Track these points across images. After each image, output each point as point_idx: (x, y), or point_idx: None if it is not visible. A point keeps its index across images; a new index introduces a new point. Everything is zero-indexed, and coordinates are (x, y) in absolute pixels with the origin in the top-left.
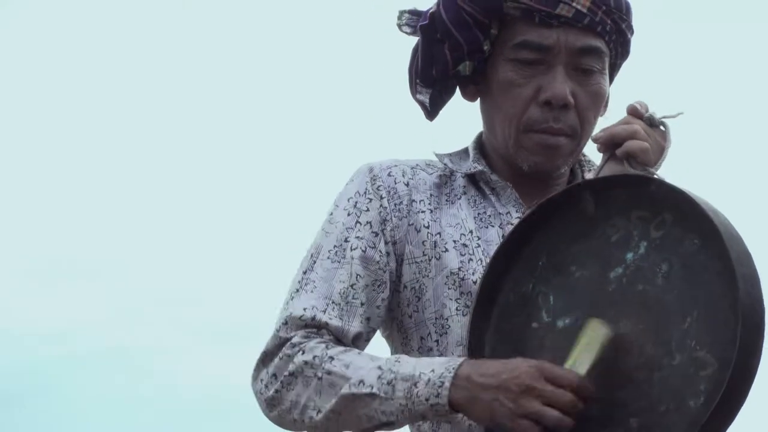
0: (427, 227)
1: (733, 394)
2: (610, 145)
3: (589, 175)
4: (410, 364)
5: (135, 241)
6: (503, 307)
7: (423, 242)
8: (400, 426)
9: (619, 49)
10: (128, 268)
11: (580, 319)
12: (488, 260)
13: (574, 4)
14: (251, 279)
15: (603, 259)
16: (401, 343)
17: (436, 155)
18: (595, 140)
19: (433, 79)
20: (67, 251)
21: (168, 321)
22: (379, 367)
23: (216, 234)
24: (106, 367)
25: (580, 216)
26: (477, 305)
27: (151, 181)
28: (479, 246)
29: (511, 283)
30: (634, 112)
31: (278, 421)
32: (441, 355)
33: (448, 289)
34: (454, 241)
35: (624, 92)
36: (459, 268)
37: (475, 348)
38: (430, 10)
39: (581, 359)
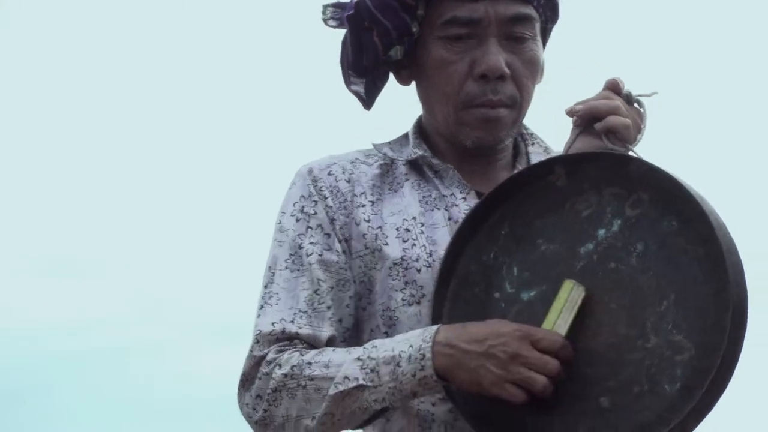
0: (368, 221)
1: (717, 384)
2: (589, 118)
3: (534, 149)
4: (387, 346)
5: (140, 240)
6: (463, 276)
7: (363, 235)
8: (397, 407)
9: (549, 13)
10: (133, 267)
11: (547, 292)
12: (441, 243)
13: None
14: (259, 279)
15: (573, 234)
16: (351, 336)
17: (374, 146)
18: (571, 113)
19: (365, 68)
20: (71, 249)
21: (173, 319)
22: (359, 358)
23: (223, 233)
24: (111, 364)
25: (549, 189)
26: (441, 275)
27: (159, 180)
28: (423, 232)
29: (472, 252)
30: (614, 87)
31: None
32: None
33: (393, 280)
34: (397, 229)
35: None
36: (402, 258)
37: (435, 318)
38: (355, 0)
39: (559, 322)
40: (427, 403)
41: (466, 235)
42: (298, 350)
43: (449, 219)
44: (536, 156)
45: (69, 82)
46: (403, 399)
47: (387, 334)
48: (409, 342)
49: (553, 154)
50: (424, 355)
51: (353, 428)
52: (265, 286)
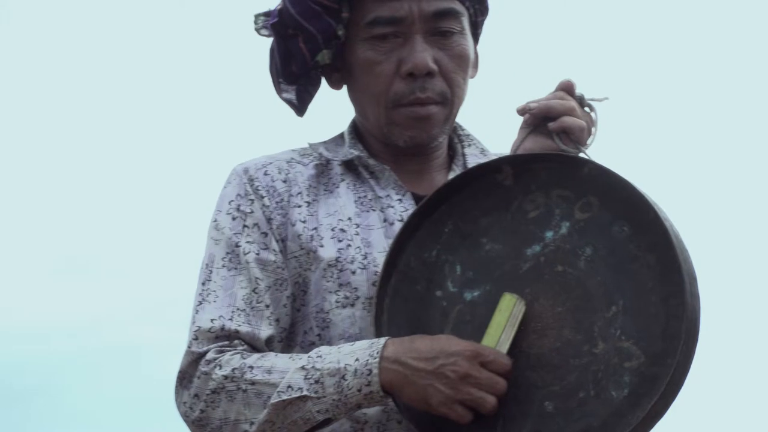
0: (303, 221)
1: (668, 392)
2: (542, 118)
3: (470, 151)
4: (333, 357)
5: (154, 239)
6: (403, 272)
7: (299, 236)
8: (341, 418)
9: (477, 6)
10: (146, 266)
11: (491, 292)
12: (376, 244)
13: None
14: None
15: (519, 235)
16: (286, 336)
17: (310, 145)
18: (524, 111)
19: (295, 75)
20: (84, 248)
21: (187, 319)
22: (303, 368)
23: None
24: (123, 363)
25: (495, 187)
26: (384, 272)
27: (175, 178)
28: (358, 234)
29: (413, 248)
30: (568, 88)
31: None
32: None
33: (327, 281)
34: (332, 230)
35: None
36: (336, 259)
37: (377, 314)
38: (278, 7)
39: (502, 339)
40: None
41: (411, 229)
42: (239, 352)
43: (384, 221)
44: (472, 157)
45: (84, 80)
46: (348, 411)
47: (320, 336)
48: (356, 355)
49: (491, 156)
50: (370, 371)
51: None
52: (203, 284)
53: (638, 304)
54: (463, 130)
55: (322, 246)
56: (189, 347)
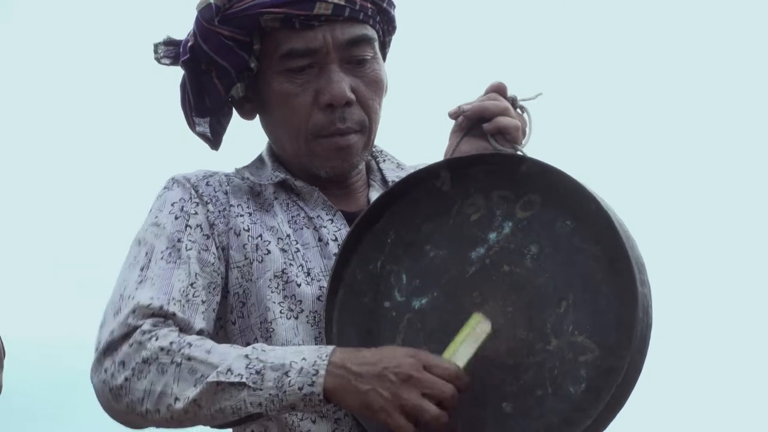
0: (247, 230)
1: (627, 382)
2: (476, 120)
3: (386, 166)
4: (278, 352)
5: None
6: (349, 285)
7: (244, 245)
8: (270, 416)
9: (386, 26)
10: None
11: (439, 299)
12: (314, 262)
13: (330, 0)
14: None
15: (462, 239)
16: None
17: (236, 170)
18: (456, 114)
19: (209, 109)
20: (99, 263)
21: None
22: (246, 356)
23: None
24: None
25: (434, 193)
26: (330, 286)
27: None
28: (298, 251)
29: (357, 261)
30: (500, 90)
31: (124, 413)
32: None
33: (272, 292)
34: (277, 243)
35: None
36: (283, 270)
37: (326, 329)
38: (189, 43)
39: (460, 351)
40: (308, 421)
41: (352, 243)
42: (175, 330)
43: (319, 240)
44: (390, 172)
45: (110, 111)
46: (281, 410)
47: None
48: (303, 354)
49: (408, 169)
50: (317, 371)
51: (213, 426)
52: (141, 269)
53: (588, 297)
54: (375, 147)
55: (268, 254)
56: (125, 319)
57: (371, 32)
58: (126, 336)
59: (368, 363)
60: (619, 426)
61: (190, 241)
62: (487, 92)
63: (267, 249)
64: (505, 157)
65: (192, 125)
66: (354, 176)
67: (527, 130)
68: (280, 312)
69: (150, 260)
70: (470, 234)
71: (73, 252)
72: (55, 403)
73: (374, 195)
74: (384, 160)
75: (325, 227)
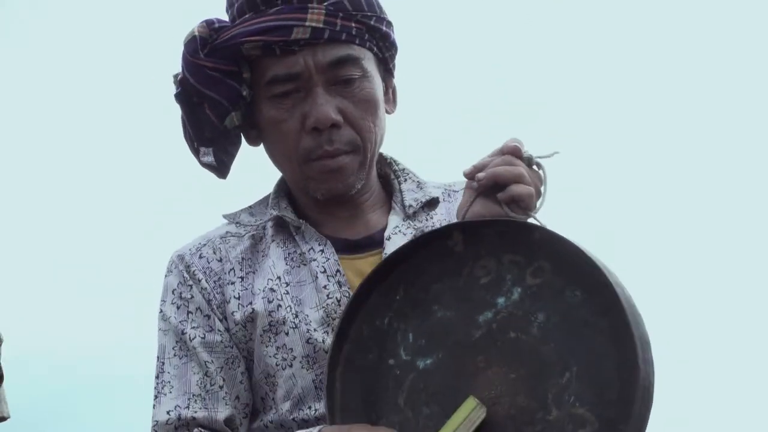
0: (238, 298)
1: None
2: (492, 186)
3: (406, 187)
4: None
5: None
6: (355, 341)
7: (233, 313)
8: None
9: (381, 44)
10: None
11: (444, 360)
12: (306, 301)
13: (308, 23)
14: None
15: (471, 301)
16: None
17: (225, 216)
18: (470, 176)
19: (210, 139)
20: (109, 271)
21: None
22: None
23: None
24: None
25: (446, 253)
26: (335, 341)
27: (199, 208)
28: (288, 292)
29: (365, 316)
30: (515, 152)
31: None
32: (275, 411)
33: (266, 347)
34: (263, 291)
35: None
36: (269, 324)
37: (329, 386)
38: (179, 78)
39: None
40: None
41: (362, 297)
42: None
43: (312, 275)
44: (409, 193)
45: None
46: None
47: (273, 399)
48: None
49: (427, 189)
50: None
51: None
52: (157, 377)
53: (592, 369)
54: (398, 165)
55: (254, 311)
56: None
57: (357, 51)
58: None
59: None
60: None
61: (193, 328)
62: (503, 152)
63: (253, 308)
64: (517, 223)
65: (197, 155)
66: (360, 197)
67: (543, 188)
68: (276, 364)
69: (163, 363)
70: (479, 297)
71: (73, 253)
72: (63, 410)
73: (394, 220)
74: (405, 180)
75: (315, 260)
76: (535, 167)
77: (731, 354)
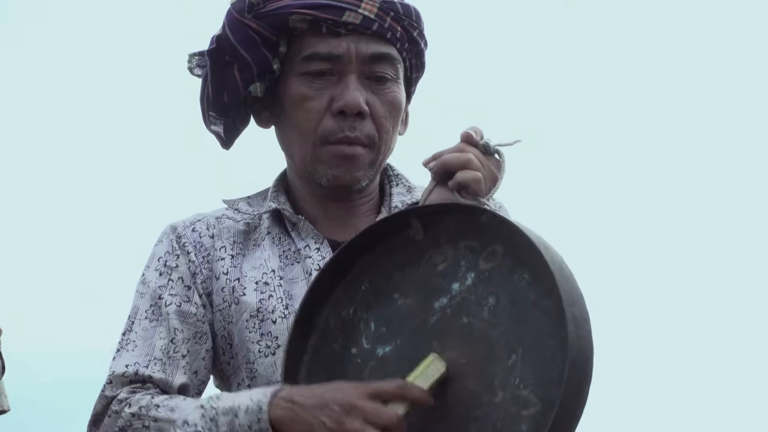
0: (226, 273)
1: None
2: (443, 173)
3: (397, 191)
4: (230, 398)
5: None
6: (322, 331)
7: (222, 289)
8: None
9: (414, 60)
10: None
11: (401, 347)
12: (298, 297)
13: (360, 11)
14: None
15: (428, 288)
16: (225, 390)
17: (225, 201)
18: (427, 166)
19: (225, 106)
20: (109, 272)
21: None
22: (201, 406)
23: None
24: None
25: (408, 242)
26: (295, 328)
27: (201, 205)
28: (281, 285)
29: (331, 307)
30: (467, 139)
31: None
32: None
33: (249, 332)
34: (256, 283)
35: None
36: (258, 309)
37: (290, 372)
38: (216, 33)
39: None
40: None
41: (324, 288)
42: (150, 393)
43: (306, 272)
44: (398, 196)
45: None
46: None
47: (249, 387)
48: (251, 395)
49: (417, 192)
50: (260, 408)
51: None
52: (123, 334)
53: (536, 351)
54: (393, 170)
55: (244, 295)
56: (102, 391)
57: (396, 54)
58: (105, 408)
59: (314, 395)
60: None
61: (170, 295)
62: (460, 141)
63: (243, 291)
64: (466, 207)
65: (207, 122)
66: (359, 198)
67: (500, 175)
68: (259, 351)
69: (133, 322)
70: (436, 283)
71: (73, 254)
72: (71, 409)
73: None
74: (397, 185)
75: (310, 257)
76: (496, 156)
77: (731, 354)
